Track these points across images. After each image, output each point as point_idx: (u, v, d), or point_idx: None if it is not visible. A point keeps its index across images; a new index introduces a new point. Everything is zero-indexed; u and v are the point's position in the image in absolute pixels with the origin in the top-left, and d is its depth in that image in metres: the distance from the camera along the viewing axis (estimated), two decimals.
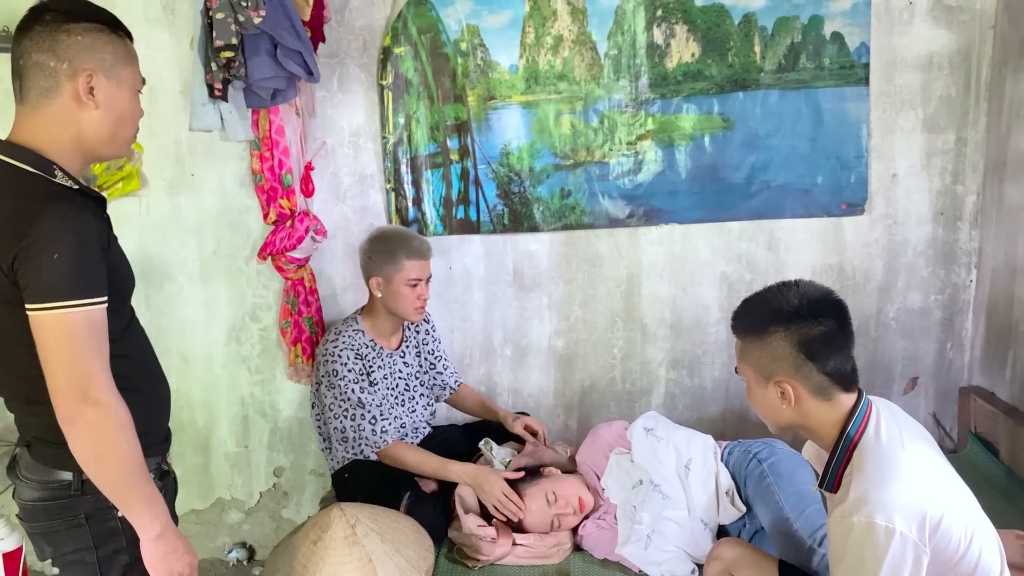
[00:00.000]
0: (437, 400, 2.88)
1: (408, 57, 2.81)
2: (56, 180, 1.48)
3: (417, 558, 2.22)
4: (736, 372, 1.76)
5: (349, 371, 2.54)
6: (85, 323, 1.41)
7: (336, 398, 2.55)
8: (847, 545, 1.47)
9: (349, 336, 2.59)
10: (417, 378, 2.78)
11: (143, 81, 1.63)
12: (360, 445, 2.57)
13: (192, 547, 1.59)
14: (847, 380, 1.62)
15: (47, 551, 1.61)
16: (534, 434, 2.73)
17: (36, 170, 1.47)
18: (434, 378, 2.83)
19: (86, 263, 1.43)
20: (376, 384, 2.60)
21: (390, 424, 2.58)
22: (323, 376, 2.58)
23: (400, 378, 2.71)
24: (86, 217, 1.46)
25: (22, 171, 1.47)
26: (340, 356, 2.55)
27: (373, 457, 2.59)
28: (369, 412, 2.53)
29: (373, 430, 2.53)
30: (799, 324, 1.60)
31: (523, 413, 2.87)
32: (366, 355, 2.61)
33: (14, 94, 1.54)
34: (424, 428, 2.76)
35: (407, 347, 2.75)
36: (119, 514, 1.54)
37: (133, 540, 1.55)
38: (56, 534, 1.57)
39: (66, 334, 1.39)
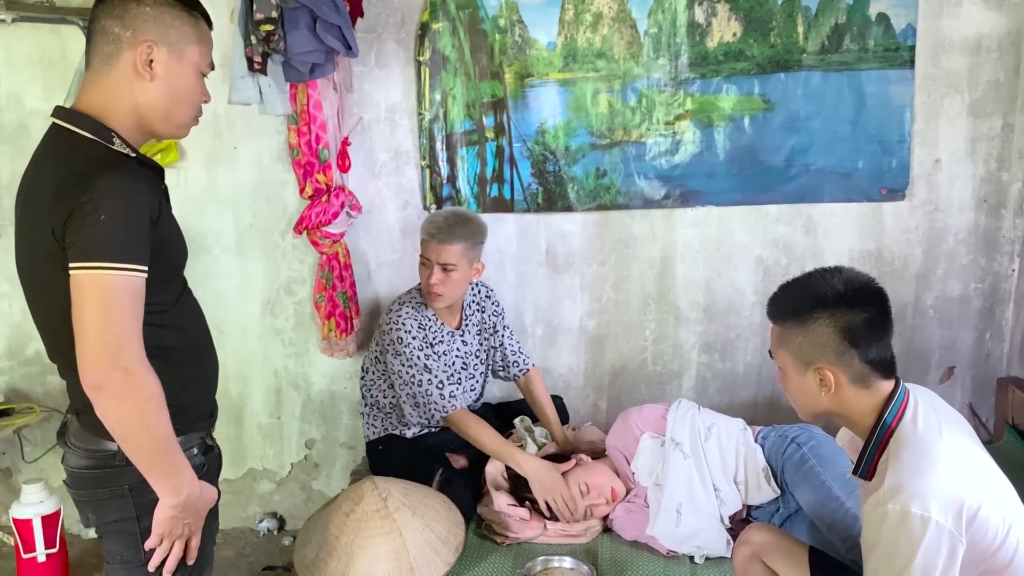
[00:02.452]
0: (504, 380, 2.87)
1: (446, 33, 2.80)
2: (114, 147, 1.49)
3: (447, 533, 2.25)
4: (771, 357, 1.74)
5: (413, 338, 2.56)
6: (125, 288, 1.39)
7: (403, 364, 2.56)
8: (881, 533, 1.45)
9: (412, 308, 2.62)
10: (477, 356, 2.76)
11: (212, 66, 1.63)
12: (430, 410, 2.55)
13: (202, 526, 1.60)
14: (887, 368, 1.60)
15: (91, 519, 1.62)
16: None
17: (95, 136, 1.48)
18: (498, 360, 2.82)
19: (132, 230, 1.42)
20: (440, 356, 2.62)
21: (458, 389, 2.60)
22: (388, 344, 2.59)
23: (458, 356, 2.71)
24: (139, 185, 1.46)
25: (81, 137, 1.48)
26: (404, 324, 2.57)
27: (437, 424, 2.61)
28: (436, 377, 2.54)
29: (441, 394, 2.53)
30: (843, 310, 1.57)
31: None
32: (428, 327, 2.63)
33: (85, 61, 1.55)
34: (476, 408, 2.76)
35: (468, 326, 2.74)
36: None
37: None
38: (101, 503, 1.58)
39: (104, 296, 1.38)
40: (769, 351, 1.75)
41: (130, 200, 1.42)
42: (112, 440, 1.50)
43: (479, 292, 2.78)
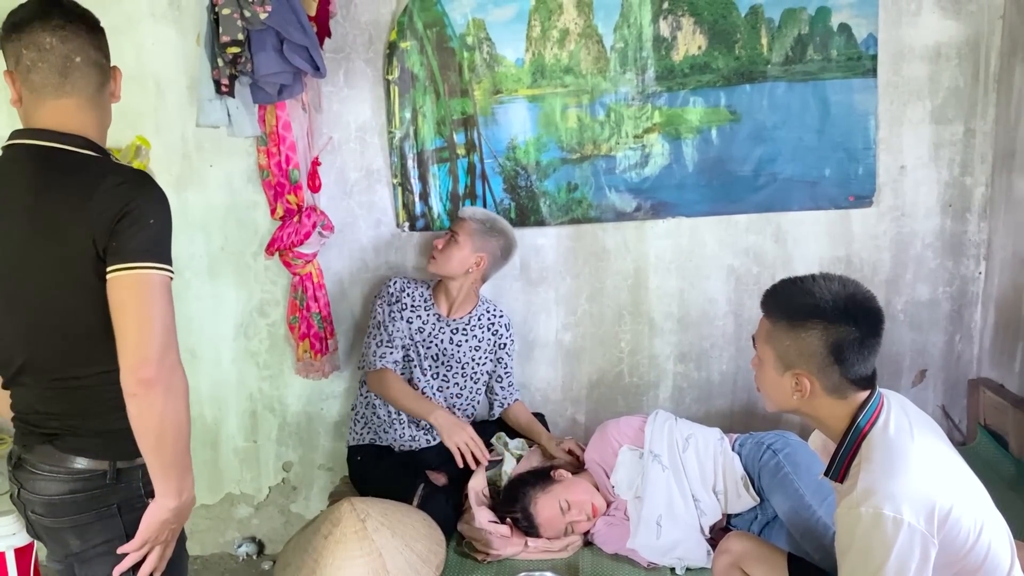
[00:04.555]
0: (490, 409, 2.89)
1: (414, 51, 2.81)
2: (116, 160, 1.60)
3: (427, 552, 2.23)
4: (753, 344, 1.73)
5: (388, 295, 2.72)
6: (165, 286, 1.48)
7: (370, 320, 2.74)
8: (855, 536, 1.46)
9: (410, 280, 2.78)
10: (468, 366, 2.77)
11: None
12: (362, 361, 2.72)
13: (185, 538, 1.67)
14: (865, 383, 1.61)
15: (73, 545, 1.61)
16: (575, 455, 2.72)
17: (97, 153, 1.57)
18: (491, 384, 2.85)
19: (168, 235, 1.54)
20: (404, 321, 2.70)
21: (395, 354, 2.66)
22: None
23: (438, 346, 2.73)
24: (165, 194, 1.57)
25: (84, 155, 1.55)
26: (390, 284, 2.74)
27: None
28: (383, 334, 2.67)
29: (376, 351, 2.65)
30: (838, 325, 1.57)
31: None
32: (412, 295, 2.74)
33: (40, 89, 1.55)
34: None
35: (469, 327, 2.76)
36: (149, 501, 1.56)
37: None
38: (87, 527, 1.58)
39: (151, 294, 1.46)
40: (752, 337, 1.74)
41: (166, 208, 1.54)
42: (101, 459, 1.55)
43: (496, 313, 2.83)
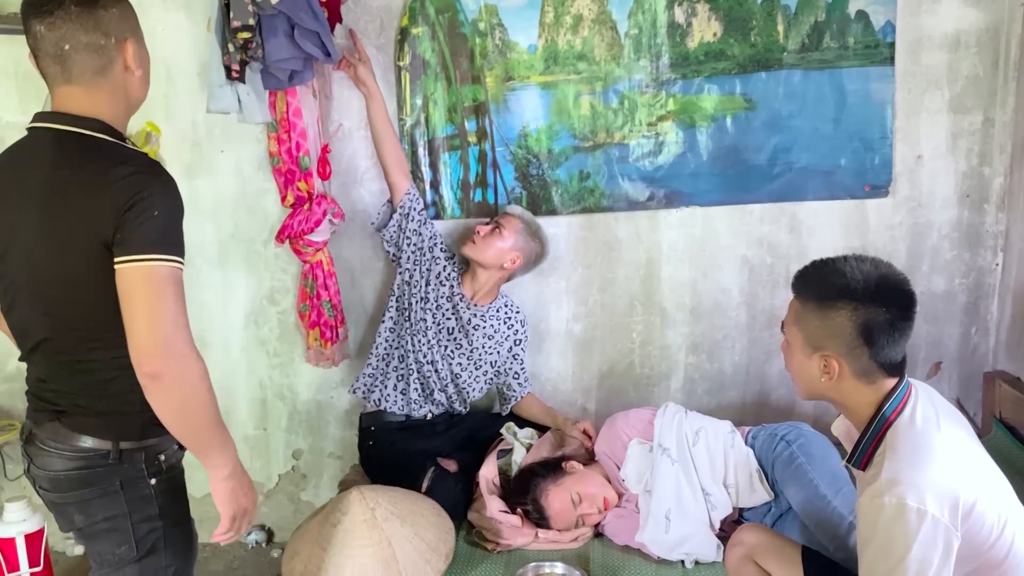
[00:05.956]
0: (502, 404, 2.90)
1: (426, 38, 2.78)
2: (131, 147, 1.59)
3: (437, 541, 2.22)
4: (781, 329, 1.71)
5: (442, 241, 2.79)
6: (172, 278, 1.49)
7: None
8: (877, 526, 1.44)
9: (455, 258, 2.80)
10: (472, 347, 2.75)
11: None
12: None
13: (253, 486, 1.71)
14: (895, 369, 1.58)
15: (77, 520, 1.65)
16: (590, 437, 2.73)
17: (111, 138, 1.57)
18: (502, 376, 2.85)
19: (176, 225, 1.54)
20: (426, 283, 2.72)
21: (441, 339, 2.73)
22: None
23: (455, 317, 2.74)
24: (176, 185, 1.57)
25: (99, 139, 1.55)
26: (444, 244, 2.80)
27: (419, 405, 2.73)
28: (434, 241, 2.77)
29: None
30: (868, 306, 1.54)
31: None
32: (444, 268, 2.75)
33: (48, 77, 1.57)
34: (452, 390, 2.78)
35: (486, 316, 2.76)
36: (152, 482, 1.63)
37: (165, 508, 1.67)
38: (89, 503, 1.62)
39: (158, 285, 1.47)
40: (782, 323, 1.72)
41: (176, 197, 1.55)
42: (105, 439, 1.58)
43: (513, 308, 2.84)
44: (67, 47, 1.52)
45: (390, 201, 2.74)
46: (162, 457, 1.66)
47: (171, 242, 1.50)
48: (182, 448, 1.71)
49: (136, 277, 1.46)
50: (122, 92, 1.60)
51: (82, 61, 1.53)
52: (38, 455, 1.63)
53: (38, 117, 1.58)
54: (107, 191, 1.47)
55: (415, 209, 2.70)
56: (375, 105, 2.66)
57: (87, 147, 1.53)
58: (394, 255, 2.75)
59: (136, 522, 1.63)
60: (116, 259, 1.46)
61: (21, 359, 1.70)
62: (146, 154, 1.60)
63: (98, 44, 1.54)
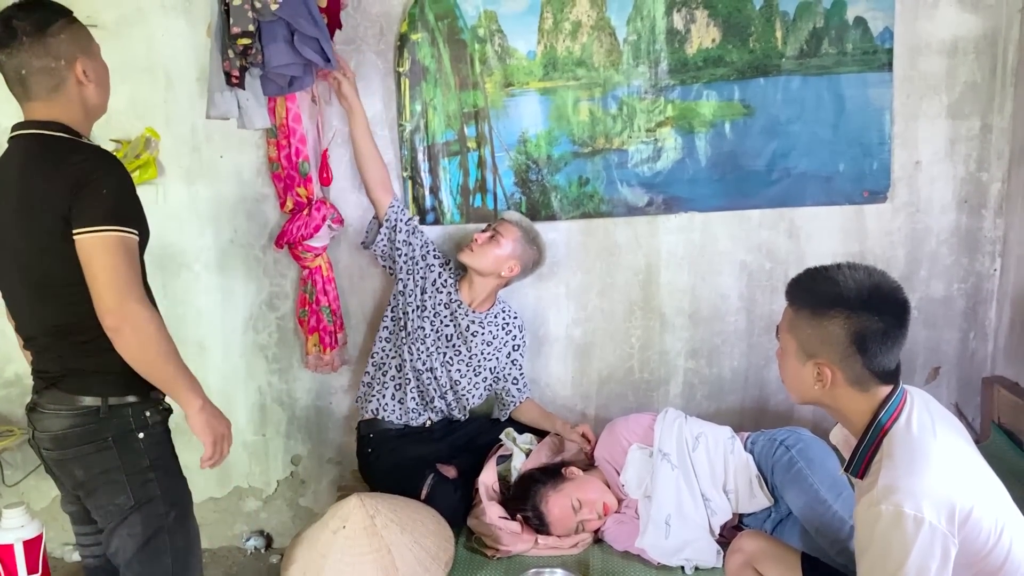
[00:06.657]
0: (501, 409, 2.89)
1: (425, 44, 2.79)
2: (85, 141, 1.83)
3: (436, 549, 2.22)
4: (776, 335, 1.71)
5: (435, 248, 2.78)
6: (123, 245, 1.72)
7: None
8: (874, 534, 1.44)
9: (451, 263, 2.80)
10: (471, 353, 2.76)
11: None
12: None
13: (224, 416, 1.91)
14: (888, 376, 1.58)
15: (78, 475, 1.85)
16: (589, 440, 2.74)
17: (69, 135, 1.80)
18: (501, 382, 2.84)
19: (127, 199, 1.78)
20: (433, 286, 2.73)
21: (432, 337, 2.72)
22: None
23: (451, 321, 2.74)
24: (124, 167, 1.82)
25: (58, 137, 1.79)
26: (437, 251, 2.80)
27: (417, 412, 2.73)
28: (424, 248, 2.77)
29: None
30: (861, 315, 1.54)
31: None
32: (439, 275, 2.75)
33: (15, 96, 1.83)
34: (449, 394, 2.78)
35: (484, 323, 2.76)
36: (140, 436, 1.85)
37: (156, 460, 1.88)
38: (87, 457, 1.83)
39: (109, 252, 1.70)
40: (777, 328, 1.72)
41: (123, 178, 1.78)
42: (93, 396, 1.81)
43: (511, 314, 2.84)
44: (24, 72, 1.77)
45: (375, 217, 2.74)
46: (147, 413, 1.87)
47: (120, 215, 1.73)
48: (168, 409, 1.94)
49: (91, 246, 1.70)
50: (78, 102, 1.83)
51: (38, 82, 1.79)
52: (40, 420, 1.86)
53: (14, 127, 1.83)
54: (63, 174, 1.72)
55: (401, 220, 2.70)
56: (357, 122, 2.66)
57: (48, 144, 1.78)
58: (390, 268, 2.75)
59: (130, 473, 1.84)
60: (74, 231, 1.70)
61: (25, 347, 1.96)
62: (99, 146, 1.83)
63: (49, 67, 1.78)
